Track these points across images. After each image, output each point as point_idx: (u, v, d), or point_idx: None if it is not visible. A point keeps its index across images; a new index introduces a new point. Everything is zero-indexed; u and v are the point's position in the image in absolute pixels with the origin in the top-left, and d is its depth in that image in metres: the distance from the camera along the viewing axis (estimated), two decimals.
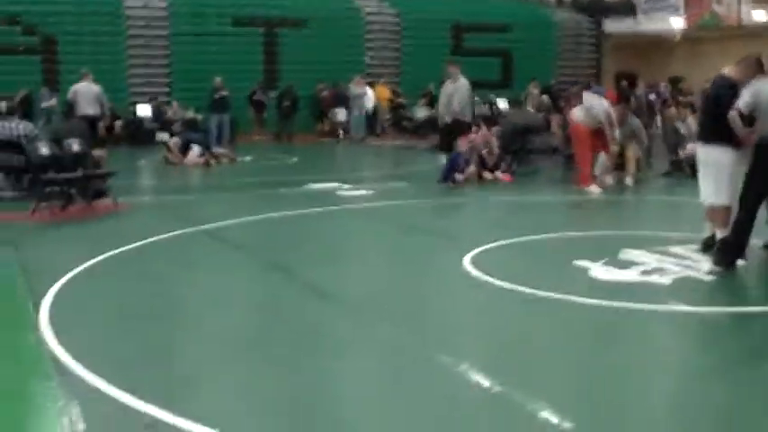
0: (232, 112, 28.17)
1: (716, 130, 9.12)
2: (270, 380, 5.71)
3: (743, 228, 8.64)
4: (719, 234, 9.18)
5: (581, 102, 16.48)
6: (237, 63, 29.22)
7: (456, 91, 17.05)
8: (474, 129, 18.04)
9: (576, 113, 15.89)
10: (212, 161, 20.34)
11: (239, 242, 10.54)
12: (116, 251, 9.76)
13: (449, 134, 17.16)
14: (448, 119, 17.21)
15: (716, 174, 9.14)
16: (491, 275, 8.39)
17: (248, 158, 22.17)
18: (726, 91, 9.13)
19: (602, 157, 15.76)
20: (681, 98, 28.17)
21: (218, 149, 21.16)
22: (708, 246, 9.15)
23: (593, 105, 15.84)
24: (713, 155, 9.14)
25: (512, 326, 7.08)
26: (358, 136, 29.01)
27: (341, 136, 29.26)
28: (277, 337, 6.74)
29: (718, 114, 9.07)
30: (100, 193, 13.22)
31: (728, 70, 9.31)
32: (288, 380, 5.68)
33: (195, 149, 20.47)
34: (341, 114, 29.60)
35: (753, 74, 9.18)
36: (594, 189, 15.01)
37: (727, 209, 9.12)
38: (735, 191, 9.11)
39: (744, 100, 8.61)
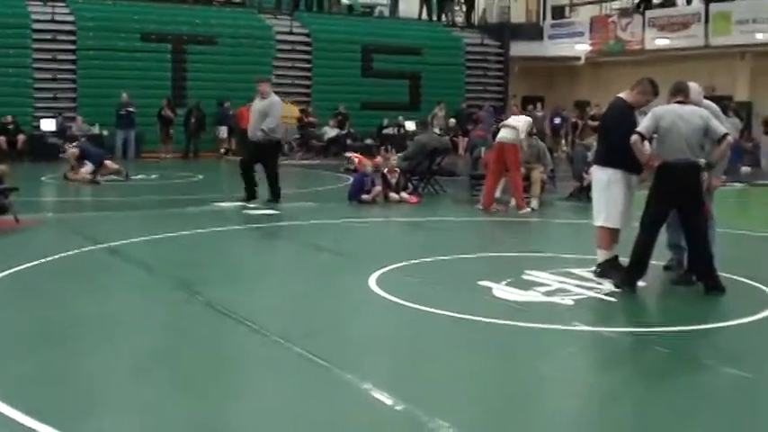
0: (138, 129, 27.95)
1: (611, 152, 9.32)
2: (174, 401, 5.63)
3: (644, 249, 8.81)
4: (600, 257, 9.37)
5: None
6: (145, 79, 28.98)
7: (270, 109, 16.10)
8: (381, 149, 18.20)
9: (505, 134, 15.74)
10: (111, 174, 20.00)
11: (143, 261, 10.39)
12: (16, 269, 9.55)
13: (258, 153, 16.16)
14: (260, 136, 15.97)
15: (605, 196, 9.34)
16: (396, 295, 8.42)
17: (154, 176, 21.93)
18: (622, 114, 9.34)
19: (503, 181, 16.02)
20: (590, 122, 28.78)
21: (110, 163, 20.68)
22: (611, 267, 9.32)
23: (519, 126, 15.85)
24: (606, 177, 9.33)
25: (416, 345, 7.11)
26: None
27: (225, 154, 29.29)
28: (182, 357, 6.66)
29: (613, 137, 9.27)
30: (1, 210, 12.93)
31: (624, 94, 9.51)
32: (192, 400, 5.61)
33: (88, 166, 20.00)
34: (222, 132, 29.64)
35: (648, 96, 9.40)
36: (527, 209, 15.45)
37: (613, 232, 9.32)
38: (626, 214, 9.33)
39: (645, 124, 8.80)
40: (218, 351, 6.80)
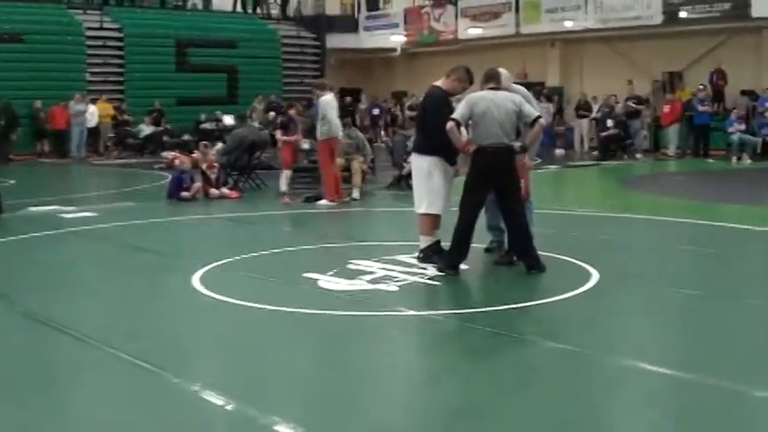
0: None
1: (430, 140, 9.44)
2: None
3: (465, 232, 8.98)
4: (423, 242, 9.51)
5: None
6: None
7: None
8: (200, 145, 18.01)
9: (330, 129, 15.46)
10: None
11: None
12: None
13: None
14: None
15: (426, 183, 9.46)
16: (221, 293, 8.31)
17: None
18: (439, 102, 9.46)
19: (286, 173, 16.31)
20: (407, 112, 29.11)
21: None
22: (434, 252, 9.44)
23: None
24: (426, 165, 9.45)
25: (243, 342, 7.01)
26: (79, 155, 28.15)
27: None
28: (0, 368, 6.36)
29: (431, 125, 9.39)
30: None
31: (440, 82, 9.64)
32: (14, 412, 5.35)
33: None
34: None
35: (463, 83, 9.56)
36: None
37: (435, 218, 9.47)
38: (447, 200, 9.48)
39: (460, 111, 8.94)
40: (39, 361, 6.51)
